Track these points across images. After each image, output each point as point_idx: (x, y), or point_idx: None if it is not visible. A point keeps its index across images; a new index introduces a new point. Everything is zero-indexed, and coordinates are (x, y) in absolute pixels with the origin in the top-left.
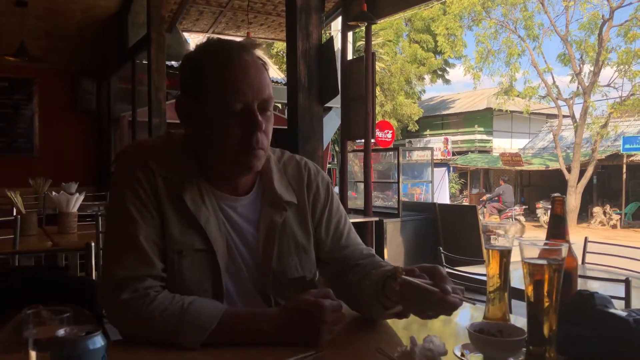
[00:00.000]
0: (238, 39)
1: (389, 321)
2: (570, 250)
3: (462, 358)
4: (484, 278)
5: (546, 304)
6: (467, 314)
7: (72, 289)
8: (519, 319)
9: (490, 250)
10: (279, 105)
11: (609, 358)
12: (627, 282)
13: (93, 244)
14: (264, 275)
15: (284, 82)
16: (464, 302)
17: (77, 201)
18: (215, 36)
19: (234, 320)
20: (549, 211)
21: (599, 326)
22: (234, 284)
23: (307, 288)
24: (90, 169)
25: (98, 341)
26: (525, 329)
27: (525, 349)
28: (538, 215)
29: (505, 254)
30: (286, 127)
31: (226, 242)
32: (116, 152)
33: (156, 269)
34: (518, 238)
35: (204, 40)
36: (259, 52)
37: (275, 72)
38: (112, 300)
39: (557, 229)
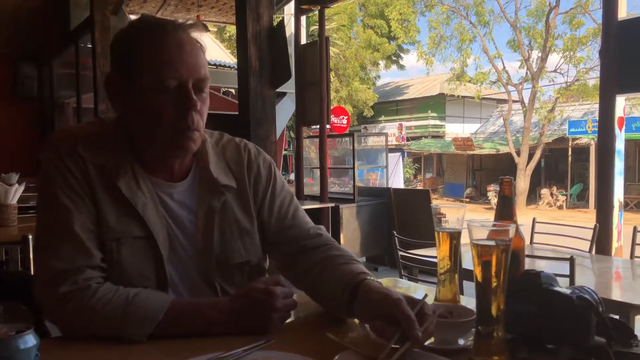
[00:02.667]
0: None
1: None
2: (517, 230)
3: None
4: (435, 260)
5: (494, 284)
6: (419, 297)
7: (7, 284)
8: (469, 300)
9: (440, 233)
10: (232, 91)
11: (554, 334)
12: (571, 260)
13: (30, 237)
14: (207, 262)
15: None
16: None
17: (16, 192)
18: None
19: (181, 311)
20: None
21: (545, 304)
22: (177, 272)
23: (253, 273)
24: (32, 158)
25: (29, 340)
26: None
27: (474, 329)
28: (489, 198)
29: (454, 236)
30: (237, 113)
31: (166, 230)
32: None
33: (95, 259)
34: (467, 220)
35: (139, 15)
36: (197, 33)
37: (228, 57)
38: (49, 294)
39: (505, 210)
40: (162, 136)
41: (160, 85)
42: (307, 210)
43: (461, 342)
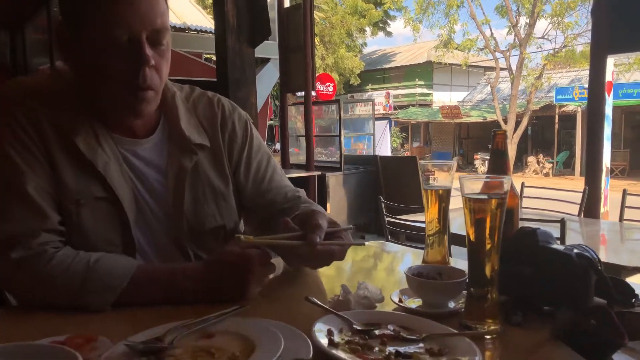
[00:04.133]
0: None
1: (320, 270)
2: (512, 186)
3: (400, 304)
4: (423, 225)
5: (488, 244)
6: (409, 261)
7: None
8: (459, 262)
9: (428, 191)
10: (214, 58)
11: (551, 295)
12: (562, 223)
13: None
14: (178, 227)
15: None
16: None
17: None
18: None
19: (148, 277)
20: (486, 162)
21: (542, 263)
22: (145, 237)
23: (229, 238)
24: None
25: None
26: (466, 271)
27: (466, 291)
28: (476, 166)
29: (444, 195)
30: (215, 80)
31: (132, 191)
32: None
33: (51, 222)
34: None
35: None
36: None
37: (210, 23)
38: (0, 260)
39: (498, 165)
40: (112, 95)
41: (109, 38)
42: (292, 179)
43: (451, 304)
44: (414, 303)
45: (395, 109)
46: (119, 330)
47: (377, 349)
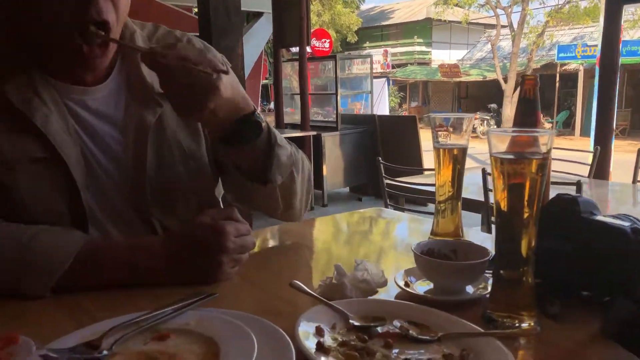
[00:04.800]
0: None
1: (310, 247)
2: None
3: (407, 289)
4: (424, 188)
5: (525, 214)
6: (414, 231)
7: None
8: (473, 233)
9: (440, 150)
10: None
11: (598, 280)
12: (578, 185)
13: None
14: (139, 193)
15: None
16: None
17: None
18: None
19: (98, 255)
20: (485, 122)
21: (587, 240)
22: (100, 205)
23: (202, 206)
24: None
25: None
26: (489, 246)
27: (490, 273)
28: (475, 127)
29: (459, 155)
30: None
31: (79, 149)
32: None
33: None
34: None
35: None
36: None
37: None
38: None
39: (527, 117)
40: (55, 38)
41: None
42: (287, 140)
43: (469, 290)
44: (423, 286)
45: (393, 67)
46: (55, 324)
47: (379, 354)
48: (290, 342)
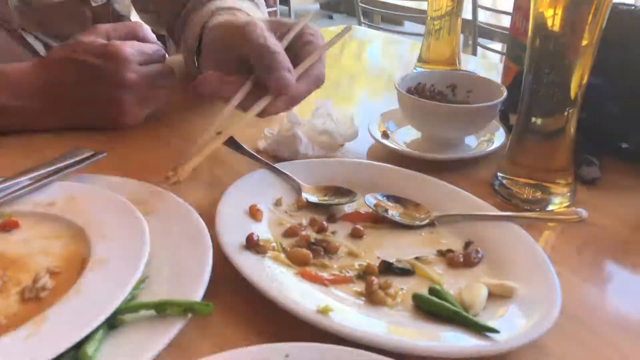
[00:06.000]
0: None
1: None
2: None
3: (385, 141)
4: (404, 3)
5: (584, 41)
6: (398, 57)
7: None
8: (471, 61)
9: None
10: None
11: None
12: None
13: None
14: None
15: None
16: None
17: None
18: None
19: None
20: None
21: None
22: None
23: (96, 19)
24: None
25: None
26: (499, 80)
27: (503, 121)
28: None
29: None
30: None
31: None
32: None
33: None
34: None
35: None
36: None
37: None
38: None
39: None
40: None
41: None
42: None
43: (471, 143)
44: (407, 136)
45: None
46: None
47: (343, 249)
48: (207, 233)
